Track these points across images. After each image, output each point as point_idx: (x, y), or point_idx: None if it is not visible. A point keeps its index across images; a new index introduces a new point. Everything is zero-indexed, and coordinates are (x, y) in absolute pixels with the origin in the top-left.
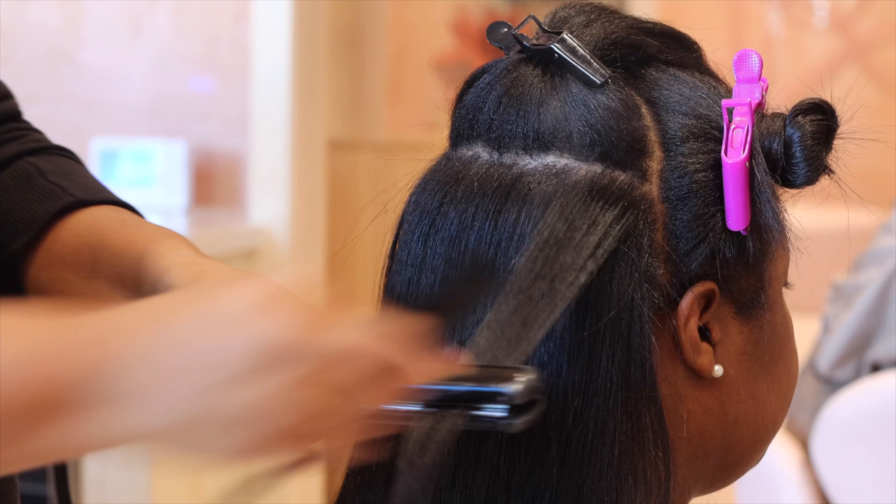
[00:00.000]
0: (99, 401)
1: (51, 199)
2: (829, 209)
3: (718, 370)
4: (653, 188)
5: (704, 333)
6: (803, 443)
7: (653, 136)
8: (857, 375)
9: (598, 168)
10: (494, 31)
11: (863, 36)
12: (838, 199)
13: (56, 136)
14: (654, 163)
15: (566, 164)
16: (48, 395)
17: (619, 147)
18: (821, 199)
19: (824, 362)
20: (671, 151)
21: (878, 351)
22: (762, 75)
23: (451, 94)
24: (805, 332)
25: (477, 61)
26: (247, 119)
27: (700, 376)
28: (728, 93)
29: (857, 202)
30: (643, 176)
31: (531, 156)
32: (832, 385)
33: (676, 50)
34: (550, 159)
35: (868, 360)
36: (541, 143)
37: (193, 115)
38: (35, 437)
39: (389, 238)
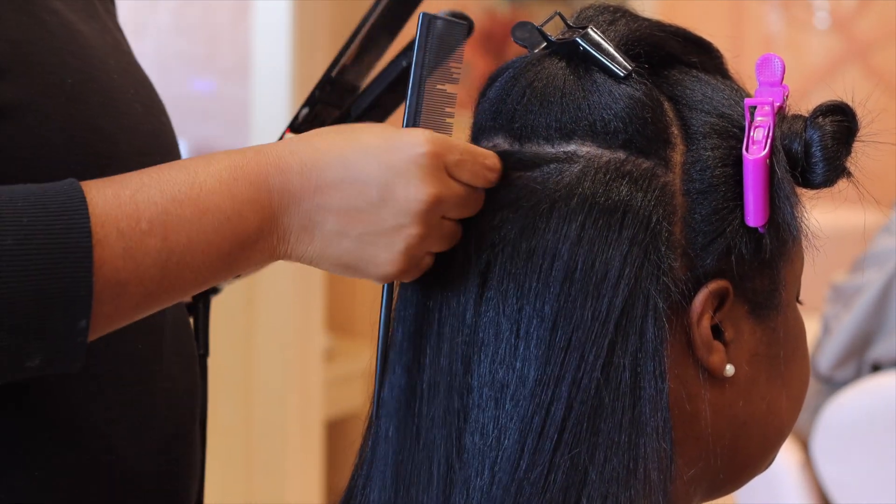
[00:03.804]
0: (283, 236)
1: None
2: (828, 209)
3: (730, 369)
4: (675, 179)
5: (717, 332)
6: (803, 443)
7: (675, 130)
8: (857, 375)
9: (621, 155)
10: (518, 30)
11: (863, 36)
12: (836, 200)
13: None
14: (677, 155)
15: (588, 152)
16: (253, 233)
17: (644, 135)
18: (817, 199)
19: (825, 363)
20: (693, 145)
21: (879, 351)
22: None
23: (471, 92)
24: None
25: (477, 61)
26: (247, 119)
27: (711, 375)
28: (749, 97)
29: (858, 203)
30: (666, 165)
31: (552, 145)
32: (832, 385)
33: (698, 53)
34: (573, 147)
35: (868, 360)
36: (563, 133)
37: (193, 115)
38: (242, 261)
39: None
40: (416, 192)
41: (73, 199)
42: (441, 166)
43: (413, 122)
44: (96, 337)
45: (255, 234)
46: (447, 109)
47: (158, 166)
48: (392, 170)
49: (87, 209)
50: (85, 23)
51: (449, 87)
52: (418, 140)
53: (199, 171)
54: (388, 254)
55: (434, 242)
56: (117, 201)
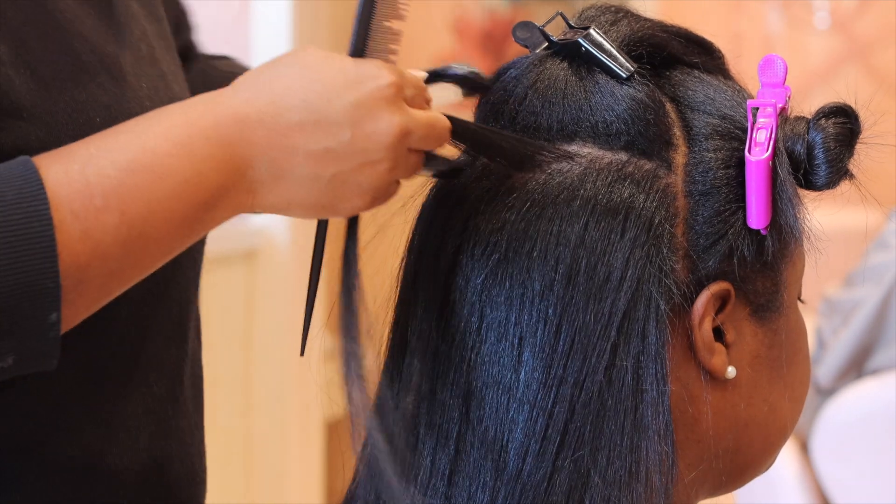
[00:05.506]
0: (251, 188)
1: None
2: (830, 211)
3: (731, 371)
4: (678, 180)
5: (719, 334)
6: (803, 444)
7: (677, 132)
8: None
9: (623, 156)
10: (520, 30)
11: (863, 36)
12: (829, 202)
13: None
14: (679, 156)
15: (590, 153)
16: (216, 191)
17: (646, 136)
18: (819, 200)
19: (826, 377)
20: (696, 147)
21: (878, 361)
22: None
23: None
24: None
25: (477, 61)
26: None
27: (713, 377)
28: (751, 98)
29: (850, 205)
30: (668, 167)
31: (554, 146)
32: (834, 395)
33: (700, 54)
34: (574, 148)
35: (868, 371)
36: (565, 133)
37: None
38: (206, 223)
39: (409, 231)
40: (386, 126)
41: (30, 182)
42: (402, 98)
43: (360, 53)
44: (66, 330)
45: (219, 192)
46: (391, 46)
47: (104, 132)
48: (359, 107)
49: (45, 194)
50: (115, 42)
51: (394, 24)
52: (379, 72)
53: (150, 134)
54: (360, 189)
55: (401, 173)
56: (67, 178)
